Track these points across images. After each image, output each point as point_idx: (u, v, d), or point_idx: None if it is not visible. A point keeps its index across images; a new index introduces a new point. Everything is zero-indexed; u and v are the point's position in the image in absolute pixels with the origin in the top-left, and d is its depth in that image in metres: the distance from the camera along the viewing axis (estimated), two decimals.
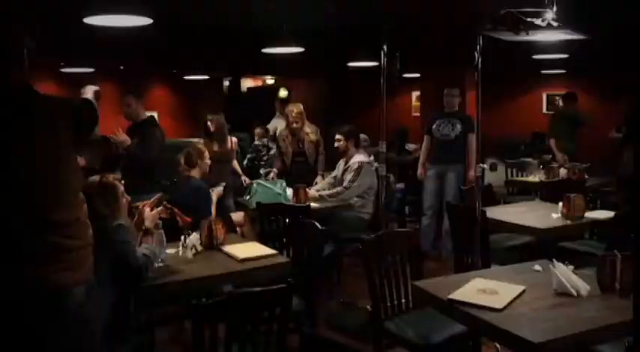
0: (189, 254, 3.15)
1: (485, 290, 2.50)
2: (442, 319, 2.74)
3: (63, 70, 8.08)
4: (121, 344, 2.66)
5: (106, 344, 2.47)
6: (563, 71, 9.11)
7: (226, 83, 12.90)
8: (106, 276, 2.60)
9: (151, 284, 2.76)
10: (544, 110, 10.08)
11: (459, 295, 2.47)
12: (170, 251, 3.15)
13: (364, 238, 3.16)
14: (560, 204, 4.21)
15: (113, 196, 2.81)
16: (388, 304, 3.05)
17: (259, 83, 13.55)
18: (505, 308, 2.35)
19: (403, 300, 3.11)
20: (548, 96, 10.08)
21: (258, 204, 4.51)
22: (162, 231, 3.08)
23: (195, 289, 2.96)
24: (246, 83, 13.32)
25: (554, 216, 4.20)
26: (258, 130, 7.99)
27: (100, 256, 2.38)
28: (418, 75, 8.59)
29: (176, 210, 3.31)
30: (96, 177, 2.87)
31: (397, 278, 3.09)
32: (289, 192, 4.94)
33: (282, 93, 12.69)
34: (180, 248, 3.23)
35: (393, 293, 3.07)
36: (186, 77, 9.74)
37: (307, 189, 4.88)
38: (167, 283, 2.81)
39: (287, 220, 4.20)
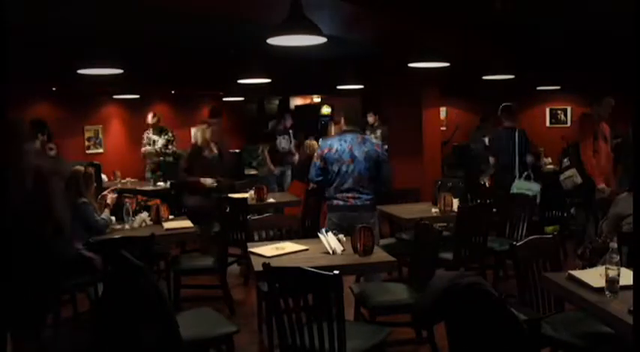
0: (136, 224, 4.77)
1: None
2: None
3: (116, 96, 10.00)
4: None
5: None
6: (558, 87, 9.90)
7: (276, 102, 14.63)
8: (80, 231, 4.30)
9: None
10: (547, 124, 10.83)
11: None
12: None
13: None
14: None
15: (84, 182, 4.50)
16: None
17: (307, 101, 15.16)
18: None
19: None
20: (551, 110, 10.81)
21: None
22: (129, 206, 4.78)
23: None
24: (295, 101, 14.98)
25: (433, 210, 5.38)
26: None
27: (74, 219, 4.07)
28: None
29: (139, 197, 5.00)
30: (78, 167, 4.61)
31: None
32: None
33: (326, 110, 14.32)
34: (137, 220, 4.87)
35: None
36: (225, 99, 11.45)
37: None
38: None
39: None
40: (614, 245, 2.74)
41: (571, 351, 3.00)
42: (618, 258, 2.68)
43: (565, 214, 6.87)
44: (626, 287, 2.60)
